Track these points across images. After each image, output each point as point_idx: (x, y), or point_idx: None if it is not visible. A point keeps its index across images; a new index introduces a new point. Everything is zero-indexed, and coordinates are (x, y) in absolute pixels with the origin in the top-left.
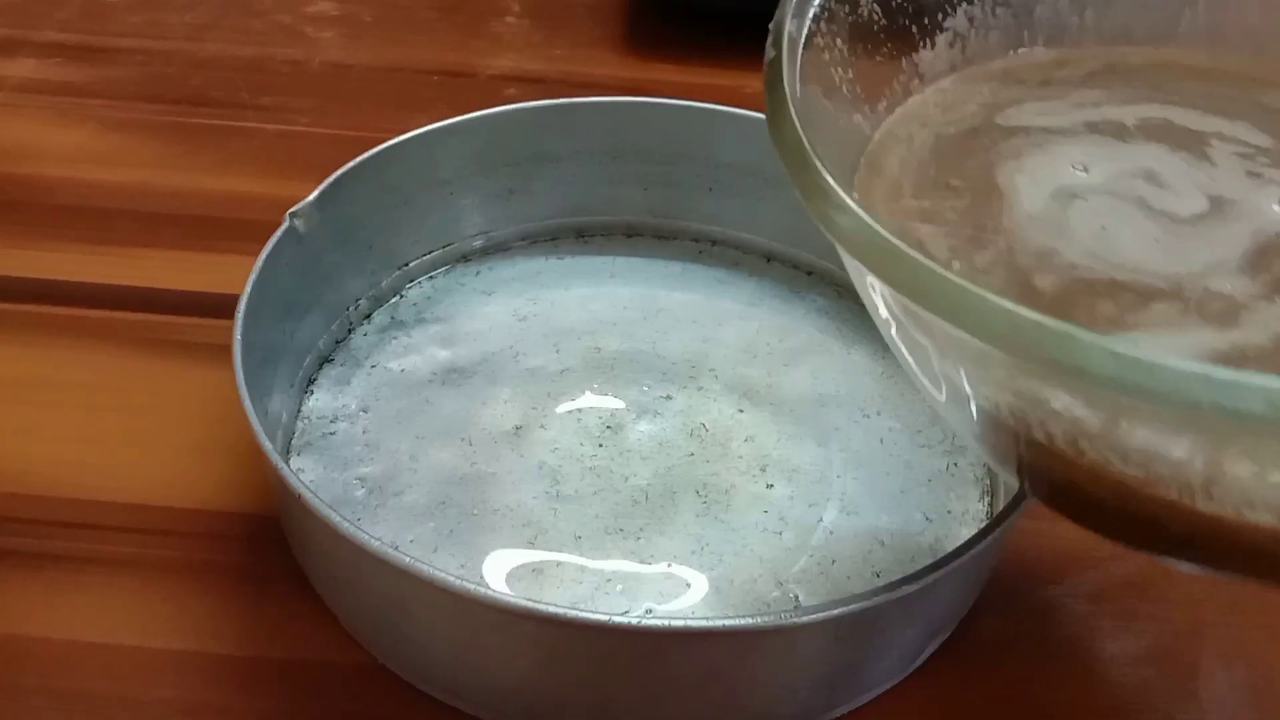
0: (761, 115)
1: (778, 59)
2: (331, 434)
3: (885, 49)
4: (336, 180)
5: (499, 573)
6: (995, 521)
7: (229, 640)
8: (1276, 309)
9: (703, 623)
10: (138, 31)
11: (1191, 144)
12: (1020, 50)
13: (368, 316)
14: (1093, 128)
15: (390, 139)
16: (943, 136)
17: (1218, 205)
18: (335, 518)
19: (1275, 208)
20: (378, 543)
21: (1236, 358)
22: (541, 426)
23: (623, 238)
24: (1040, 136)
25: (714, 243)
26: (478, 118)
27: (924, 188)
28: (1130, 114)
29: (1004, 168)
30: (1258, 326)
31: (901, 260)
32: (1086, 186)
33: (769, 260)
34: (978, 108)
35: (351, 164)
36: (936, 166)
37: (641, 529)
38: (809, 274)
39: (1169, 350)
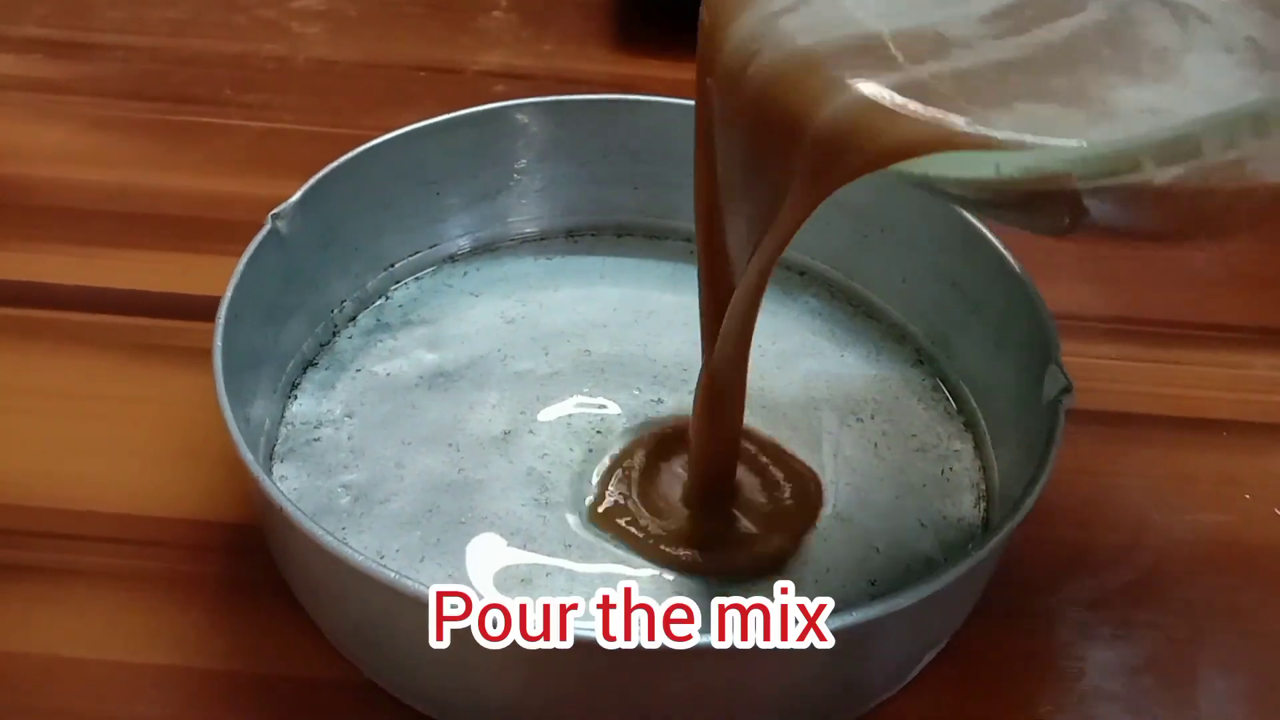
0: None
1: None
2: (316, 440)
3: None
4: (319, 181)
5: (487, 583)
6: (993, 531)
7: (212, 654)
8: (1004, 44)
9: (696, 642)
10: (119, 27)
11: None
12: None
13: (352, 319)
14: None
15: (375, 137)
16: None
17: None
18: (317, 531)
19: None
20: (361, 557)
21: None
22: (530, 432)
23: (613, 238)
24: None
25: None
26: (464, 116)
27: None
28: None
29: None
30: (979, 55)
31: None
32: None
33: None
34: None
35: (334, 164)
36: None
37: None
38: (801, 274)
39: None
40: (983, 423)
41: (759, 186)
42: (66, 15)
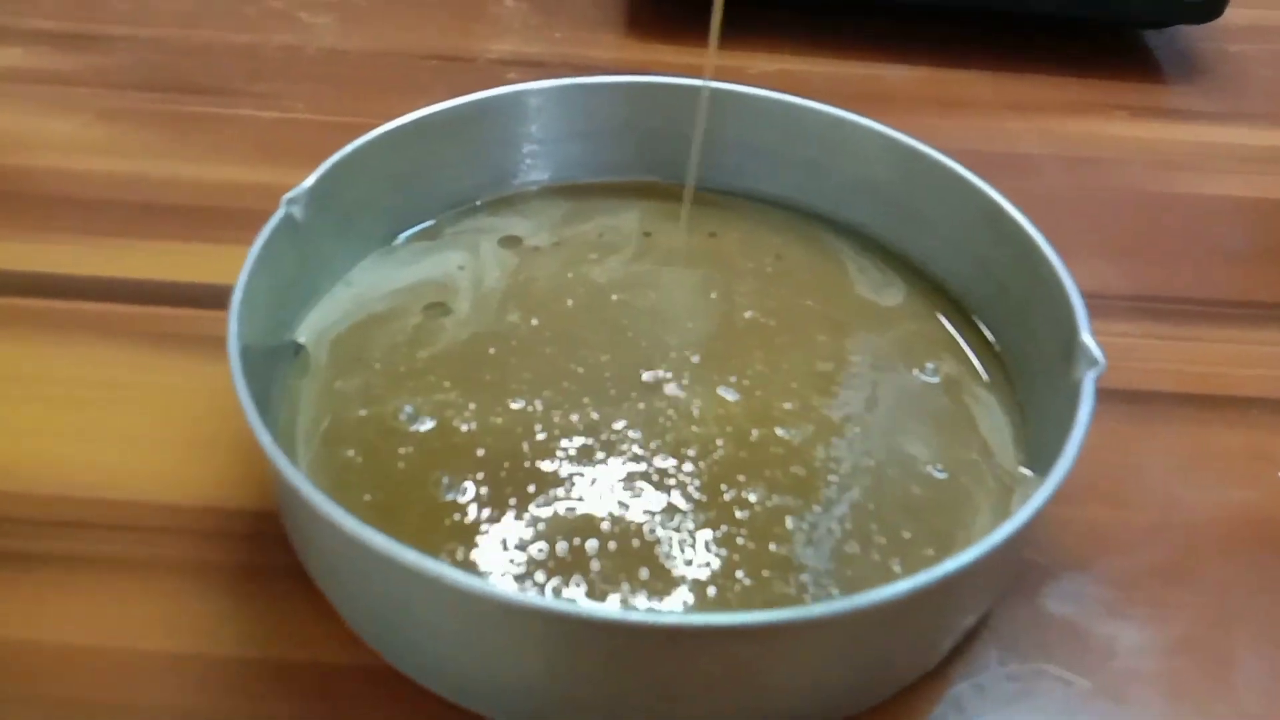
0: (766, 92)
1: None
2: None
3: None
4: (333, 166)
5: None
6: (1023, 509)
7: (227, 642)
8: None
9: (722, 618)
10: (128, 18)
11: None
12: None
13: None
14: None
15: (387, 124)
16: None
17: None
18: (336, 513)
19: None
20: (382, 538)
21: None
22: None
23: None
24: None
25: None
26: (476, 101)
27: None
28: None
29: None
30: None
31: None
32: None
33: None
34: None
35: (348, 149)
36: None
37: None
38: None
39: None
40: (1012, 401)
41: None
42: (74, 7)
